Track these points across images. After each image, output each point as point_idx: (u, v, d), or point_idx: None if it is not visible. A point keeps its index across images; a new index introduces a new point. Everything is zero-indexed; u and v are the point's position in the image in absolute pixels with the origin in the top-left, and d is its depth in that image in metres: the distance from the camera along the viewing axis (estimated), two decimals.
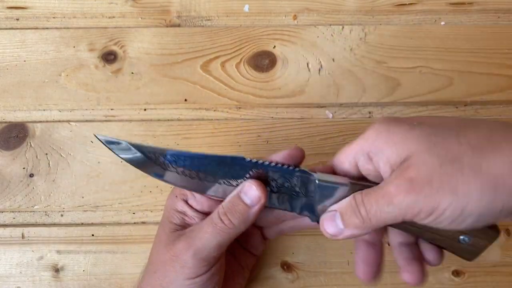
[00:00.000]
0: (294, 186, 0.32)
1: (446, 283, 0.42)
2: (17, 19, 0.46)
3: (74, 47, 0.45)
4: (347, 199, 0.30)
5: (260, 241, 0.39)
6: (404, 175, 0.27)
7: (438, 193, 0.26)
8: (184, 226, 0.34)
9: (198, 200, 0.34)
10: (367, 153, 0.30)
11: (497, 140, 0.27)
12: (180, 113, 0.45)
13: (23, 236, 0.42)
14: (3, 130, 0.44)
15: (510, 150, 0.26)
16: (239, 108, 0.45)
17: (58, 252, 0.42)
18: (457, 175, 0.26)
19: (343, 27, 0.46)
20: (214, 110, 0.45)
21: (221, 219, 0.32)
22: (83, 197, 0.43)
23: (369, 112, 0.45)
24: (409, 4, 0.46)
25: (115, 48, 0.45)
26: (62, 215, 0.43)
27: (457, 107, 0.45)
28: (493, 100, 0.45)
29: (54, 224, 0.43)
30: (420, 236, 0.32)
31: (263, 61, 0.45)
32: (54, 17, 0.46)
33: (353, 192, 0.30)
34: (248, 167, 0.32)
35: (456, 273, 0.42)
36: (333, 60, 0.45)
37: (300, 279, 0.42)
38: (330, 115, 0.45)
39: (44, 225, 0.43)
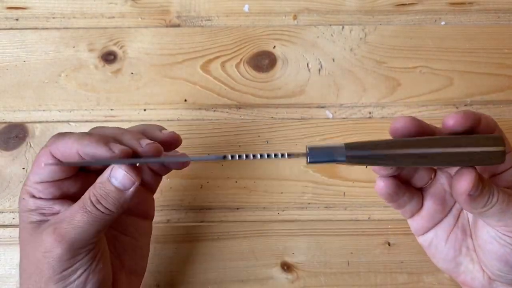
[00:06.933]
0: None
1: (446, 283, 0.42)
2: (17, 19, 0.46)
3: (73, 47, 0.45)
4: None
5: (151, 202, 0.37)
6: None
7: None
8: (46, 220, 0.31)
9: (44, 189, 0.31)
10: None
11: None
12: (180, 113, 0.45)
13: None
14: (3, 130, 0.44)
15: None
16: (239, 108, 0.45)
17: None
18: None
19: (343, 27, 0.46)
20: (214, 110, 0.45)
21: (95, 207, 0.30)
22: None
23: (369, 112, 0.45)
24: (409, 4, 0.46)
25: (114, 48, 0.45)
26: None
27: (457, 107, 0.45)
28: (493, 100, 0.45)
29: None
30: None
31: (263, 61, 0.45)
32: (53, 17, 0.46)
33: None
34: None
35: None
36: (333, 60, 0.45)
37: (300, 279, 0.42)
38: (330, 115, 0.45)
39: None
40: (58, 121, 0.44)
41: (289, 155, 0.30)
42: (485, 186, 0.29)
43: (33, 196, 0.32)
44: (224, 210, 0.43)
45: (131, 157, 0.30)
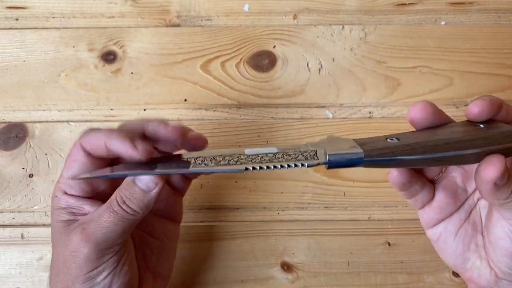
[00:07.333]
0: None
1: (447, 283, 0.42)
2: (17, 19, 0.46)
3: (73, 47, 0.45)
4: None
5: (180, 205, 0.38)
6: None
7: None
8: (75, 220, 0.32)
9: (75, 185, 0.32)
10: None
11: None
12: (180, 113, 0.45)
13: (22, 237, 0.42)
14: (3, 130, 0.44)
15: None
16: (239, 108, 0.45)
17: None
18: None
19: (343, 27, 0.46)
20: (214, 110, 0.45)
21: (121, 207, 0.30)
22: None
23: (369, 112, 0.45)
24: (409, 4, 0.46)
25: (114, 48, 0.45)
26: None
27: (457, 107, 0.45)
28: None
29: None
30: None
31: (263, 61, 0.45)
32: (53, 17, 0.46)
33: None
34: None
35: (457, 273, 0.42)
36: (333, 60, 0.45)
37: (300, 279, 0.42)
38: (330, 115, 0.45)
39: (43, 225, 0.43)
40: (58, 121, 0.44)
41: (309, 165, 0.29)
42: (511, 176, 0.29)
43: (65, 193, 0.33)
44: (224, 210, 0.43)
45: (153, 150, 0.31)
